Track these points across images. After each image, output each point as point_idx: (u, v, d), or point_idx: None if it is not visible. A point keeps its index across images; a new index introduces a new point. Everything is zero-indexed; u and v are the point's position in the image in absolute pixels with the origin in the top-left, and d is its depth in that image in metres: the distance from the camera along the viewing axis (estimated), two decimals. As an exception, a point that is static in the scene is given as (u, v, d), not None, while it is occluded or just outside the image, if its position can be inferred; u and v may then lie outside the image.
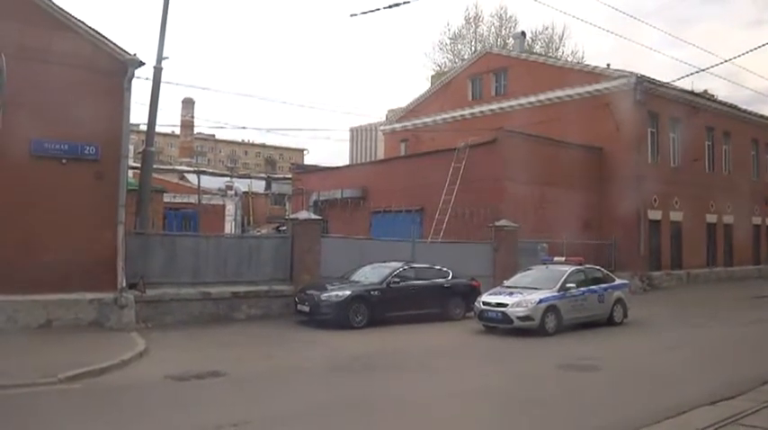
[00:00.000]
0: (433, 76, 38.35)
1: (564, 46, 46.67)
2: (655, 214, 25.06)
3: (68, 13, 12.52)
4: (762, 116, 32.74)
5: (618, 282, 15.40)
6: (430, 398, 8.19)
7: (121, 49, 13.00)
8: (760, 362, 10.39)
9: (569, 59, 41.21)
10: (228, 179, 42.81)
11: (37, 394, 7.70)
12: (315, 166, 33.05)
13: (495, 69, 29.61)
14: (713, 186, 28.15)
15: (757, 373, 9.02)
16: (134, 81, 13.36)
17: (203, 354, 10.51)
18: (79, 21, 12.63)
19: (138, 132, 36.21)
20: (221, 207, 34.73)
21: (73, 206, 12.41)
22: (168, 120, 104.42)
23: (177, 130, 71.05)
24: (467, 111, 30.11)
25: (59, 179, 12.33)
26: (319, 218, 17.33)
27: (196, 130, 72.29)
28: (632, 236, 23.78)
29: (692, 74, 24.03)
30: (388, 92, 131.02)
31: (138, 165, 18.37)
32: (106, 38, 12.88)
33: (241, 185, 40.48)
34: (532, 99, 27.25)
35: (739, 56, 56.04)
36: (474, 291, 15.36)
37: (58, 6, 12.42)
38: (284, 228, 21.87)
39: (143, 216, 14.80)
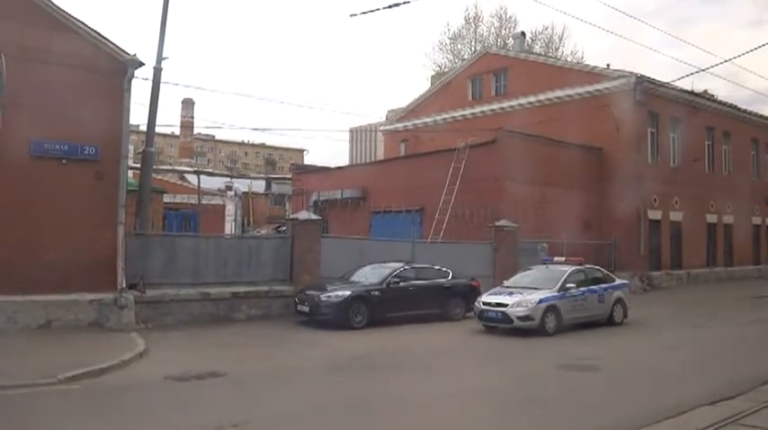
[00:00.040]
0: (432, 77, 38.36)
1: (564, 46, 46.76)
2: (655, 214, 25.06)
3: (68, 14, 12.52)
4: (762, 116, 32.74)
5: (618, 282, 15.40)
6: (430, 398, 8.19)
7: (121, 49, 13.01)
8: (760, 362, 10.39)
9: (569, 59, 41.24)
10: (228, 179, 42.82)
11: (37, 394, 7.70)
12: (315, 167, 33.06)
13: (495, 69, 29.62)
14: (713, 186, 28.15)
15: (757, 373, 9.02)
16: (134, 81, 13.40)
17: (203, 355, 10.51)
18: (79, 21, 12.63)
19: (138, 133, 36.21)
20: (221, 207, 34.72)
21: (73, 206, 12.42)
22: (168, 121, 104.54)
23: (177, 131, 71.03)
24: (467, 112, 30.12)
25: (59, 179, 12.33)
26: (319, 218, 17.33)
27: (196, 131, 72.26)
28: (632, 236, 23.78)
29: (692, 74, 24.08)
30: (388, 92, 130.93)
31: (138, 165, 18.37)
32: (106, 38, 12.89)
33: (241, 186, 40.47)
34: (532, 99, 27.25)
35: (739, 56, 56.10)
36: (474, 291, 15.36)
37: (57, 6, 12.42)
38: (284, 228, 21.89)
39: (143, 216, 14.80)
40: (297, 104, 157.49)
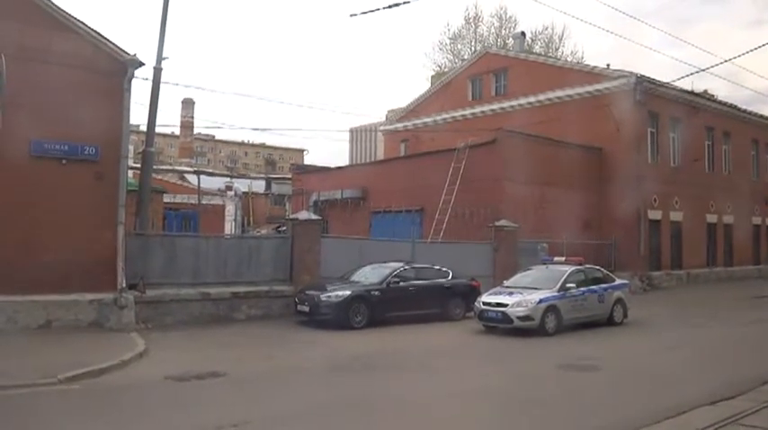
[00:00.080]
0: (432, 77, 38.35)
1: (564, 46, 46.76)
2: (655, 214, 25.06)
3: (68, 14, 12.52)
4: (762, 116, 32.74)
5: (618, 282, 15.40)
6: (430, 398, 8.19)
7: (121, 49, 13.01)
8: (760, 362, 10.39)
9: (569, 59, 41.24)
10: (228, 179, 42.81)
11: (37, 394, 7.70)
12: (315, 167, 33.07)
13: (495, 69, 29.62)
14: (713, 186, 28.15)
15: (757, 373, 9.02)
16: (134, 81, 13.40)
17: (203, 355, 10.51)
18: (79, 21, 12.63)
19: (138, 133, 36.21)
20: (221, 207, 34.71)
21: (73, 206, 12.42)
22: (168, 121, 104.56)
23: (177, 131, 71.04)
24: (467, 112, 30.12)
25: (59, 179, 12.33)
26: (319, 218, 17.33)
27: (196, 131, 72.27)
28: (632, 236, 23.79)
29: (692, 74, 24.08)
30: (388, 92, 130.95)
31: (138, 165, 18.38)
32: (106, 38, 12.89)
33: (241, 186, 40.45)
34: (532, 99, 27.25)
35: (739, 56, 56.09)
36: (474, 291, 15.36)
37: (57, 6, 12.42)
38: (284, 228, 21.89)
39: (143, 216, 14.80)
40: (297, 104, 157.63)
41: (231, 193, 37.24)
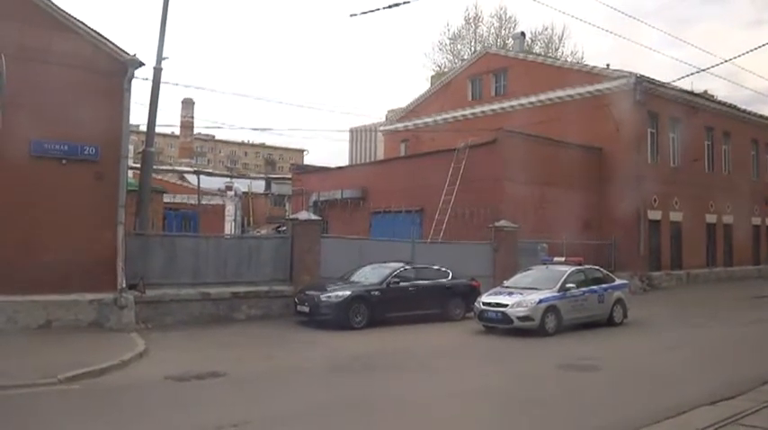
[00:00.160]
0: (432, 77, 38.36)
1: (563, 46, 46.73)
2: (654, 214, 25.07)
3: (68, 14, 12.52)
4: (762, 116, 32.75)
5: (618, 282, 15.40)
6: (430, 398, 8.19)
7: (121, 49, 13.01)
8: (760, 362, 10.39)
9: (569, 59, 41.23)
10: (228, 179, 42.80)
11: (37, 394, 7.70)
12: (315, 167, 33.07)
13: (495, 70, 29.62)
14: (713, 186, 28.16)
15: (757, 373, 9.02)
16: (134, 81, 13.40)
17: (203, 355, 10.51)
18: (79, 21, 12.63)
19: (138, 133, 36.20)
20: (221, 207, 34.70)
21: (73, 206, 12.42)
22: (168, 121, 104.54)
23: (177, 131, 71.05)
24: (467, 112, 30.12)
25: (59, 179, 12.33)
26: (319, 218, 17.33)
27: (196, 131, 72.28)
28: (632, 236, 23.79)
29: (692, 74, 24.11)
30: (388, 92, 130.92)
31: (138, 165, 18.37)
32: (106, 38, 12.89)
33: (241, 186, 40.44)
34: (532, 99, 27.26)
35: (739, 56, 56.08)
36: (474, 292, 15.36)
37: (57, 7, 12.42)
38: (284, 228, 21.88)
39: (143, 216, 14.79)
40: (297, 104, 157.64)
41: (231, 193, 37.22)
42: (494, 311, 13.44)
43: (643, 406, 7.59)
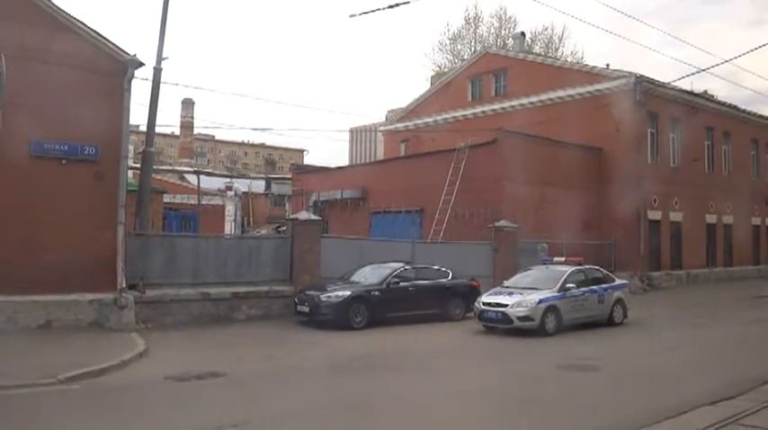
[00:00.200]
0: (432, 77, 38.36)
1: (563, 46, 46.75)
2: (654, 214, 25.06)
3: (68, 14, 12.52)
4: (761, 116, 32.74)
5: (618, 282, 15.39)
6: (430, 398, 8.19)
7: (121, 49, 13.01)
8: (760, 362, 10.39)
9: (569, 59, 41.24)
10: (228, 180, 42.80)
11: (37, 394, 7.70)
12: (315, 167, 33.07)
13: (495, 70, 29.62)
14: (713, 186, 28.16)
15: (757, 373, 9.02)
16: (134, 81, 13.40)
17: (203, 355, 10.51)
18: (79, 21, 12.64)
19: (138, 133, 36.21)
20: (221, 207, 34.70)
21: (73, 206, 12.42)
22: (168, 121, 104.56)
23: (177, 131, 71.06)
24: (467, 112, 30.12)
25: (59, 179, 12.33)
26: (319, 218, 17.33)
27: (196, 131, 72.28)
28: (632, 236, 23.79)
29: (691, 74, 24.17)
30: (388, 92, 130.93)
31: (138, 165, 18.37)
32: (106, 38, 12.89)
33: (241, 186, 40.45)
34: (532, 99, 27.25)
35: (739, 56, 56.14)
36: (474, 292, 15.36)
37: (57, 7, 12.43)
38: (284, 228, 21.88)
39: (143, 216, 14.79)
40: (296, 104, 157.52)
41: (231, 194, 37.23)
42: (494, 311, 13.44)
43: (643, 406, 7.59)
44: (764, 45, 52.35)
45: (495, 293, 14.10)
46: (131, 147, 24.52)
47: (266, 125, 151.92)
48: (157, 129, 15.98)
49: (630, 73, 24.39)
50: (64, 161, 12.49)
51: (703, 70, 18.94)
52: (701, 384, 8.62)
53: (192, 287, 13.90)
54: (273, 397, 8.11)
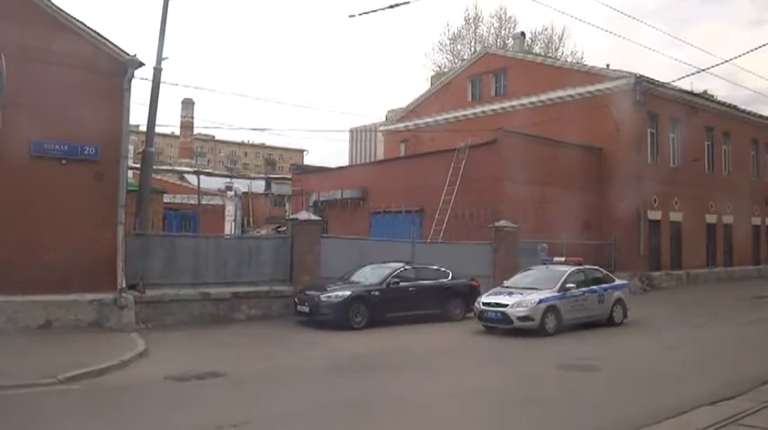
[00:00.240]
0: (432, 77, 38.36)
1: (563, 46, 46.75)
2: (654, 214, 25.06)
3: (68, 14, 12.52)
4: (761, 116, 32.74)
5: (618, 282, 15.40)
6: (430, 398, 8.19)
7: (121, 49, 13.01)
8: (760, 362, 10.39)
9: (569, 60, 41.26)
10: (228, 180, 42.80)
11: (37, 394, 7.70)
12: (314, 167, 33.07)
13: (495, 70, 29.62)
14: (713, 186, 28.16)
15: (757, 373, 9.02)
16: (134, 81, 13.40)
17: (203, 355, 10.51)
18: (79, 21, 12.64)
19: (138, 133, 36.20)
20: (221, 207, 34.70)
21: (73, 206, 12.42)
22: (168, 121, 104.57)
23: (177, 131, 71.07)
24: (467, 112, 30.12)
25: (59, 179, 12.33)
26: (319, 218, 17.32)
27: (195, 131, 72.29)
28: (632, 236, 23.79)
29: (691, 74, 24.15)
30: (388, 92, 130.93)
31: (138, 165, 18.37)
32: (106, 38, 12.89)
33: (241, 186, 40.45)
34: (532, 99, 27.25)
35: (739, 56, 56.10)
36: (474, 292, 15.36)
37: (57, 7, 12.43)
38: (284, 228, 21.87)
39: (143, 216, 14.80)
40: (296, 104, 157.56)
41: (231, 194, 37.24)
42: (494, 311, 13.44)
43: (643, 406, 7.59)
44: (764, 45, 52.38)
45: (495, 293, 14.10)
46: (131, 147, 24.53)
47: (266, 125, 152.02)
48: (157, 129, 15.99)
49: (630, 73, 24.39)
50: (64, 161, 12.49)
51: (703, 70, 18.97)
52: (700, 384, 8.62)
53: (191, 287, 13.90)
54: (273, 397, 8.11)
